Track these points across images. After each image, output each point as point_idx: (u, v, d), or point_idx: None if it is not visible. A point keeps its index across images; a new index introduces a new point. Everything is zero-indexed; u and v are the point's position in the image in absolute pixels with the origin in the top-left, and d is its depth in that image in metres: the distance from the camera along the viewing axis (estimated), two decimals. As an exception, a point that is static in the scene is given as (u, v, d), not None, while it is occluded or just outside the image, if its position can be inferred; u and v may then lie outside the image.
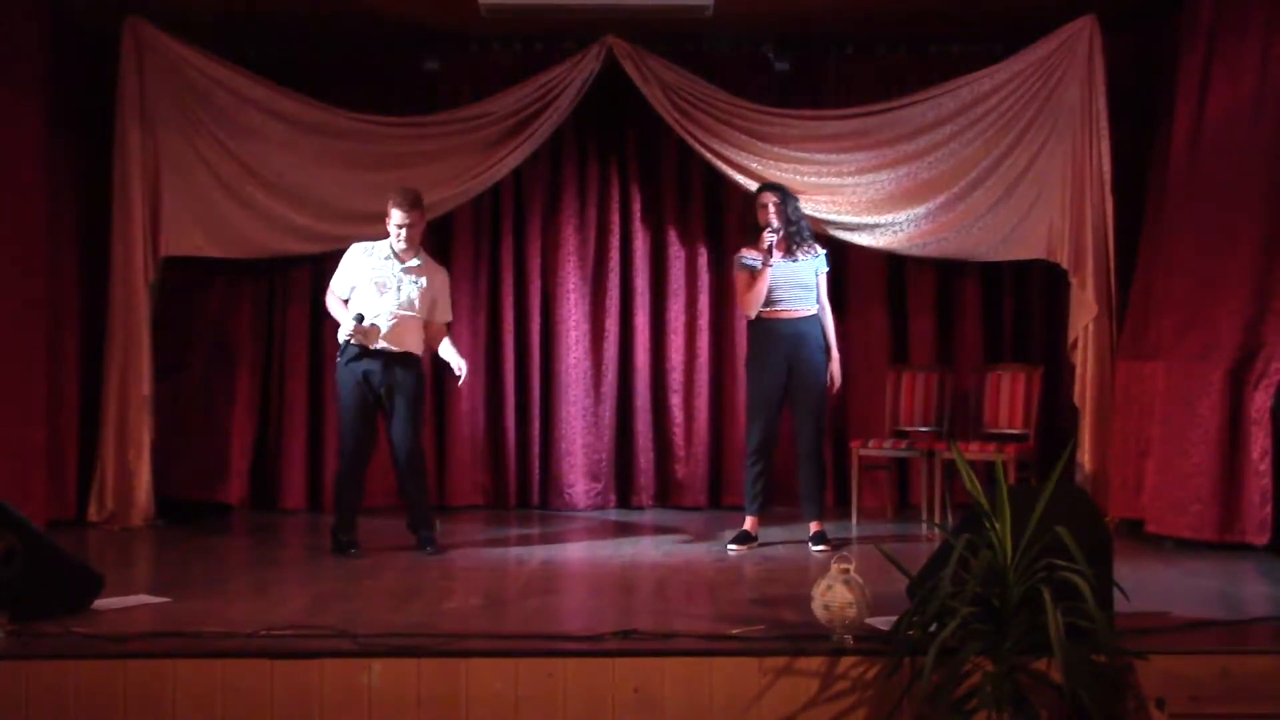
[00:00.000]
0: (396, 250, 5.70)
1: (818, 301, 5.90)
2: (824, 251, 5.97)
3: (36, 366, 6.23)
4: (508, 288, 7.42)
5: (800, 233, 5.87)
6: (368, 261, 5.72)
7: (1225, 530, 5.47)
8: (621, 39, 6.83)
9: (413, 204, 5.67)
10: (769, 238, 5.77)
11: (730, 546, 5.80)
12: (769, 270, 5.77)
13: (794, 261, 5.82)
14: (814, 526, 5.86)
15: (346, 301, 5.73)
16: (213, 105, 6.76)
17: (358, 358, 5.61)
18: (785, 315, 5.82)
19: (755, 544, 5.85)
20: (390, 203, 5.66)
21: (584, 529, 6.61)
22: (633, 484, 7.44)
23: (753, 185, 6.92)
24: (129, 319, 6.64)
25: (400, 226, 5.64)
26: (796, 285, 5.81)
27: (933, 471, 6.64)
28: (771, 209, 5.84)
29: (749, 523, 5.91)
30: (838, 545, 5.75)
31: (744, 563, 5.47)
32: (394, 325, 5.65)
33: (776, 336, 5.81)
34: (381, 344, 5.63)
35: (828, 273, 5.96)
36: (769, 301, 5.80)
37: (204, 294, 7.26)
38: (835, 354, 5.94)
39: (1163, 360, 5.90)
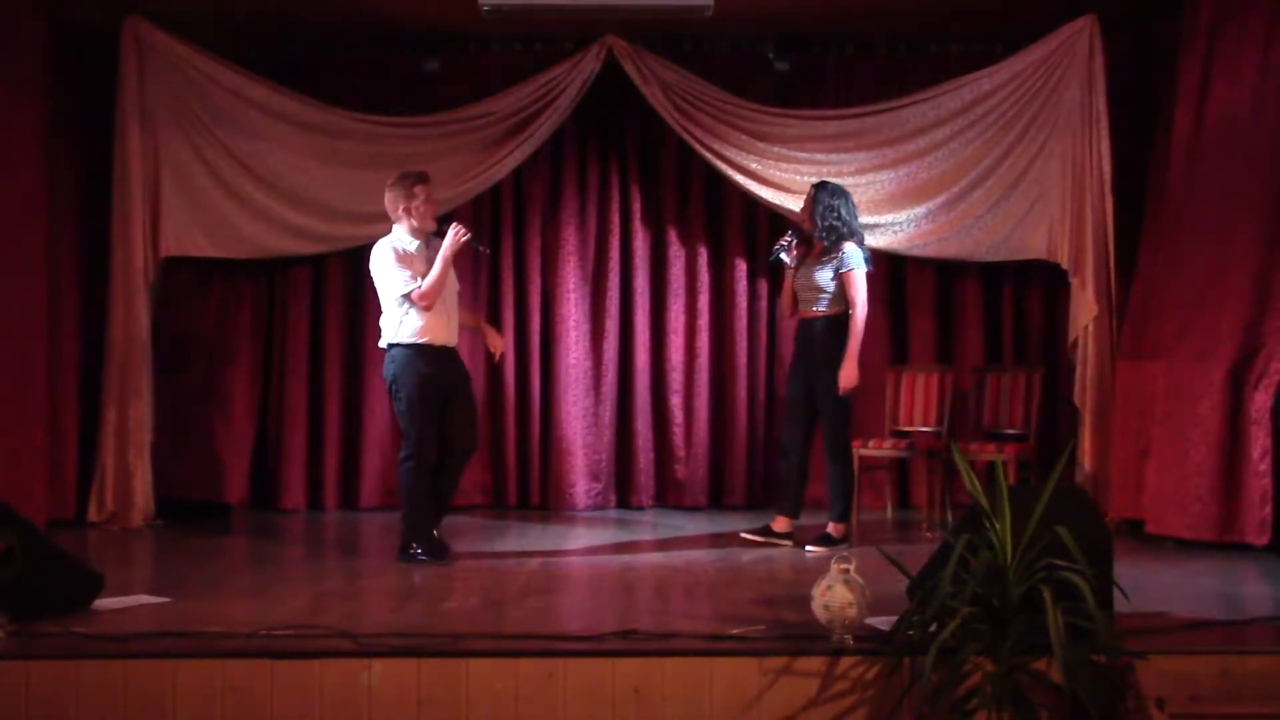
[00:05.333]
0: (423, 231, 5.54)
1: (843, 302, 5.78)
2: (846, 252, 5.76)
3: (36, 367, 6.23)
4: (508, 287, 7.43)
5: (830, 232, 5.79)
6: (402, 259, 5.49)
7: (1225, 530, 5.47)
8: (621, 39, 6.84)
9: (425, 176, 5.62)
10: (783, 241, 5.90)
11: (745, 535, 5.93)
12: (790, 271, 5.91)
13: (816, 262, 5.83)
14: (829, 527, 5.85)
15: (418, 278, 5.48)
16: (213, 105, 6.76)
17: (420, 357, 5.44)
18: (802, 316, 5.92)
19: (771, 540, 5.87)
20: (408, 184, 5.52)
21: (584, 529, 6.61)
22: (633, 484, 7.44)
23: (752, 185, 6.98)
24: (129, 319, 6.64)
25: (432, 200, 5.58)
26: (811, 287, 5.82)
27: (933, 471, 6.65)
28: (802, 209, 5.95)
29: (778, 522, 5.93)
30: (836, 547, 5.74)
31: (744, 563, 5.47)
32: (450, 316, 5.56)
33: (798, 338, 5.95)
34: (441, 341, 5.50)
35: (851, 272, 5.73)
36: (797, 301, 5.92)
37: (204, 294, 7.25)
38: (849, 354, 5.74)
39: (1163, 360, 5.90)
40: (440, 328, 5.49)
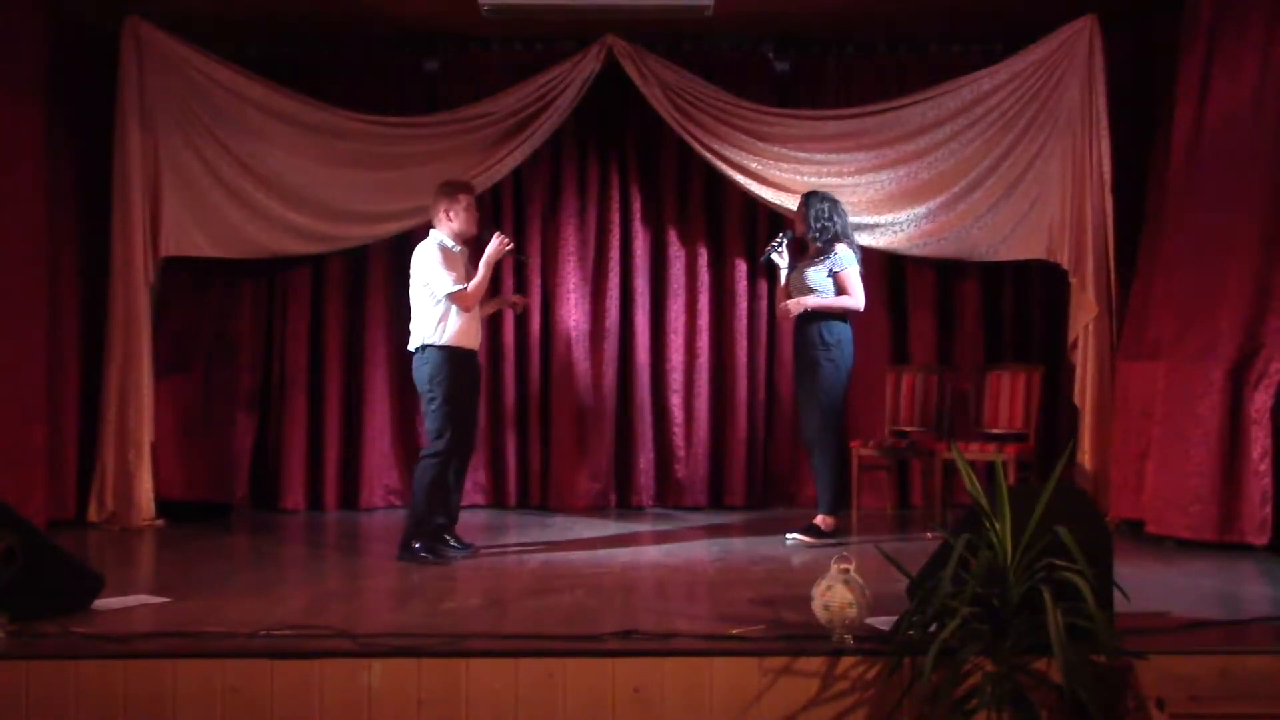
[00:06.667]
0: (464, 236, 5.67)
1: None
2: (839, 253, 5.85)
3: (36, 366, 6.23)
4: (507, 288, 7.42)
5: (824, 232, 5.89)
6: (448, 259, 5.58)
7: (1225, 530, 5.46)
8: (621, 39, 6.84)
9: (470, 186, 5.86)
10: (774, 242, 6.02)
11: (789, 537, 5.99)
12: (782, 273, 6.01)
13: (810, 262, 5.90)
14: (816, 518, 5.91)
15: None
16: (213, 105, 6.76)
17: (455, 360, 5.53)
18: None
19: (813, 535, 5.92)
20: (452, 191, 5.67)
21: (584, 529, 6.61)
22: (633, 484, 7.44)
23: (752, 185, 6.99)
24: (129, 319, 6.64)
25: (473, 209, 5.72)
26: (803, 287, 5.89)
27: (933, 471, 6.65)
28: (796, 217, 6.06)
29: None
30: (824, 539, 5.78)
31: (744, 563, 5.47)
32: (478, 320, 5.73)
33: (794, 337, 6.00)
34: (470, 345, 5.63)
35: (844, 271, 5.83)
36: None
37: (204, 294, 7.25)
38: (815, 303, 5.80)
39: (1163, 360, 5.90)
40: (473, 332, 5.65)
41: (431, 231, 5.69)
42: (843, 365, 5.86)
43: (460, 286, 5.51)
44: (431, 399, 5.54)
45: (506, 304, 6.36)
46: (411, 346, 5.63)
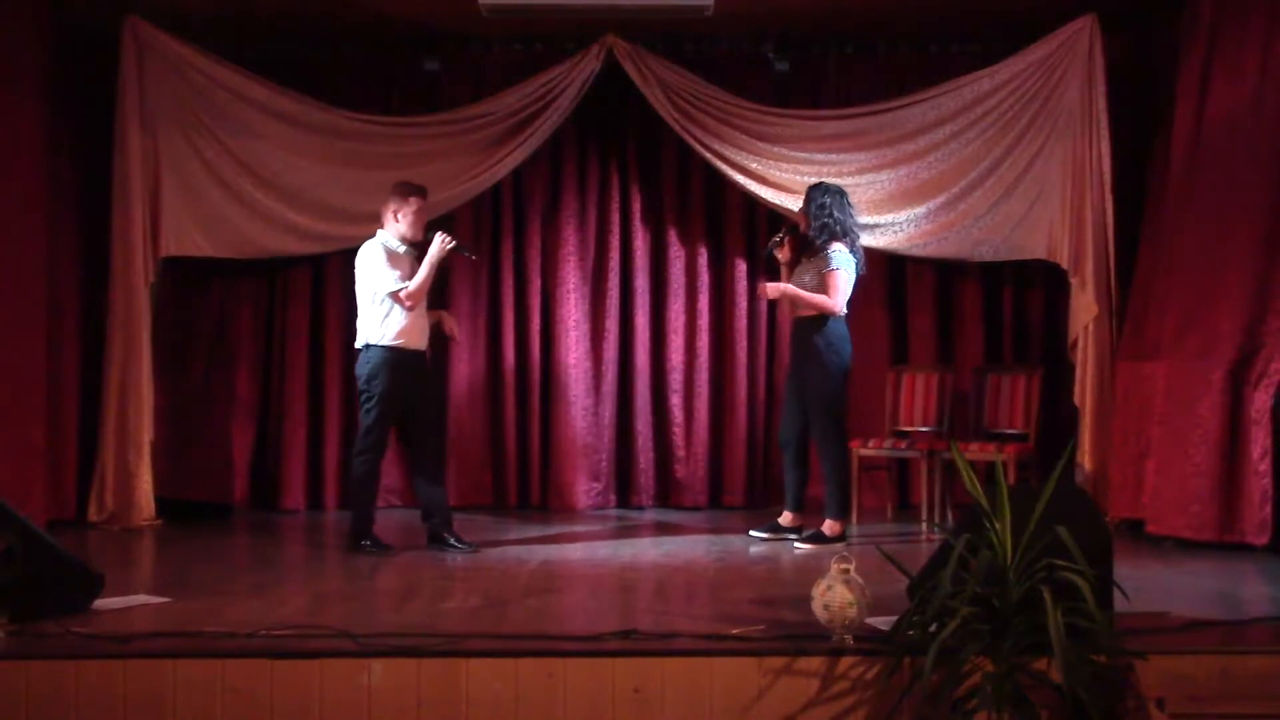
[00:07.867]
0: (411, 240, 5.78)
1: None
2: (830, 252, 5.80)
3: (36, 366, 6.23)
4: (508, 287, 7.43)
5: (823, 230, 5.85)
6: (392, 259, 5.73)
7: (1225, 530, 5.47)
8: (621, 39, 6.84)
9: (424, 190, 5.88)
10: (776, 238, 6.03)
11: (754, 533, 6.07)
12: (785, 271, 6.00)
13: (808, 262, 5.89)
14: (824, 525, 5.90)
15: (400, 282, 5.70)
16: (212, 105, 6.76)
17: (396, 360, 5.65)
18: (794, 315, 5.98)
19: (779, 535, 5.98)
20: (405, 192, 5.78)
21: (584, 529, 6.61)
22: (633, 484, 7.44)
23: (752, 185, 6.98)
24: (129, 319, 6.64)
25: (423, 214, 5.80)
26: (800, 287, 5.86)
27: (933, 471, 6.64)
28: (799, 211, 6.04)
29: (784, 517, 6.06)
30: (823, 544, 5.77)
31: (744, 563, 5.47)
32: (424, 321, 5.81)
33: (791, 336, 6.03)
34: (414, 346, 5.74)
35: (834, 272, 5.77)
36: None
37: (204, 294, 7.26)
38: (789, 290, 5.84)
39: (1163, 360, 5.90)
40: (417, 332, 5.75)
41: (378, 232, 5.82)
42: (837, 369, 5.83)
43: (402, 285, 5.65)
44: (367, 398, 5.72)
45: (445, 324, 6.05)
46: (356, 345, 5.80)
